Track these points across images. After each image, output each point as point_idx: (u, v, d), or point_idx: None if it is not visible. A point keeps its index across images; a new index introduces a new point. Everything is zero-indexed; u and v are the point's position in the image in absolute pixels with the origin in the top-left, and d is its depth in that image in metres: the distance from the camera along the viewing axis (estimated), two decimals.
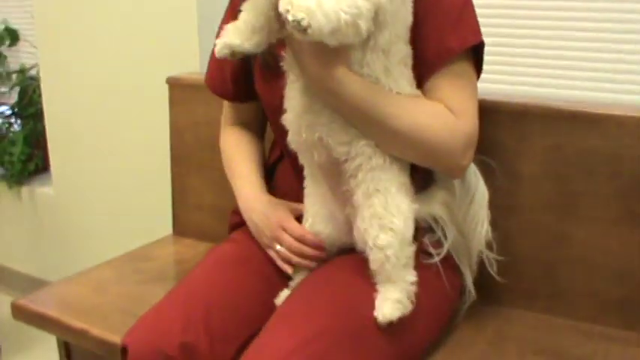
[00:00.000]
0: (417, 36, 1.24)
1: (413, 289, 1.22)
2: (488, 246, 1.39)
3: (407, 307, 1.20)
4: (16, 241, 3.04)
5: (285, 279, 1.37)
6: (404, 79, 1.23)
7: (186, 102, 1.96)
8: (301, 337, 1.13)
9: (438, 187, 1.34)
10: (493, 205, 1.43)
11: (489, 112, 1.46)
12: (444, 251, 1.32)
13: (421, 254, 1.30)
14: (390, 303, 1.19)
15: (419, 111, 1.23)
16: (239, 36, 1.17)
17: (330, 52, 1.14)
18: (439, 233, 1.33)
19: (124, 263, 1.86)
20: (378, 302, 1.20)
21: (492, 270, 1.40)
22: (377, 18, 1.13)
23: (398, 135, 1.20)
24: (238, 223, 1.55)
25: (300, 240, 1.34)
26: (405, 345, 1.24)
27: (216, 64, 1.55)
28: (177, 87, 1.98)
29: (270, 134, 1.57)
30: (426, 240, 1.32)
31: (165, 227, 2.09)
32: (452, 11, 1.25)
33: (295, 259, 1.34)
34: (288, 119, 1.28)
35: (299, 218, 1.38)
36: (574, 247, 1.46)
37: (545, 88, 1.85)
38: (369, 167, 1.22)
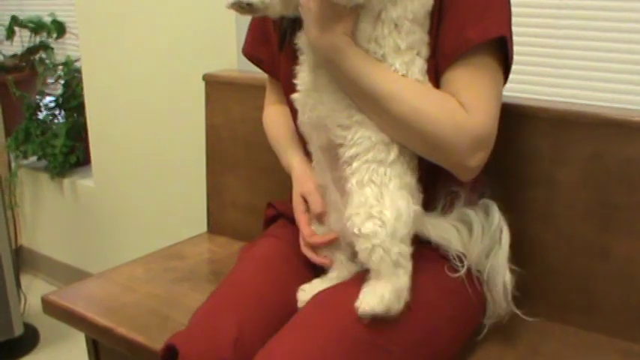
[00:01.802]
0: (440, 28, 1.20)
1: (404, 294, 1.16)
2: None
3: (393, 307, 1.14)
4: (57, 231, 3.08)
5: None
6: (415, 66, 1.18)
7: (222, 99, 1.95)
8: (313, 344, 1.11)
9: (454, 216, 1.29)
10: (529, 213, 1.39)
11: (527, 118, 1.42)
12: (464, 269, 1.26)
13: (446, 265, 1.26)
14: (375, 295, 1.13)
15: (423, 98, 1.17)
16: None
17: (332, 18, 1.12)
18: (452, 256, 1.27)
19: (156, 260, 1.86)
20: (362, 292, 1.15)
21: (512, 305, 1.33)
22: None
23: (398, 119, 1.16)
24: (275, 216, 1.54)
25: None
26: (425, 357, 1.20)
27: (257, 30, 1.52)
28: (213, 84, 1.96)
29: None
30: (452, 256, 1.27)
31: (202, 224, 2.09)
32: (478, 3, 1.19)
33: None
34: (296, 97, 1.26)
35: None
36: (612, 261, 1.41)
37: (587, 91, 1.78)
38: (365, 159, 1.18)
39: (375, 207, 1.15)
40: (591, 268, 1.43)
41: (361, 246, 1.16)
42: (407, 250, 1.17)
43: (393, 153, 1.18)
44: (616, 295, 1.41)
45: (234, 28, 2.05)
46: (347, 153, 1.19)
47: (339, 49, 1.15)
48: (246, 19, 1.51)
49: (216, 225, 2.05)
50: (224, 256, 1.88)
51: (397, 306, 1.15)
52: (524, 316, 1.33)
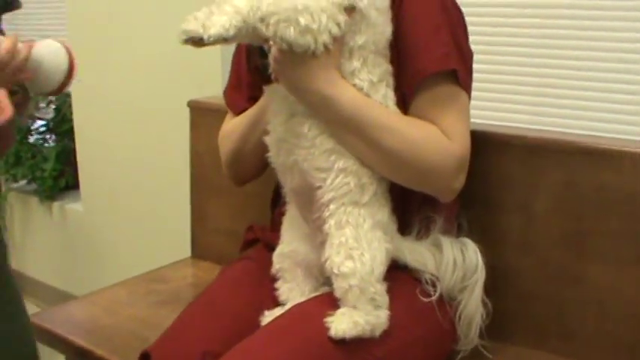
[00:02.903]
0: (400, 57, 1.23)
1: (381, 326, 1.18)
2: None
3: (366, 332, 1.16)
4: (46, 254, 3.08)
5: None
6: (389, 99, 1.22)
7: (206, 126, 1.96)
8: (279, 347, 1.14)
9: (429, 241, 1.31)
10: (504, 241, 1.40)
11: (501, 145, 1.44)
12: (437, 293, 1.28)
13: (418, 288, 1.28)
14: (349, 321, 1.15)
15: (413, 128, 1.21)
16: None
17: (317, 59, 1.14)
18: (426, 279, 1.29)
19: (139, 283, 1.87)
20: (336, 316, 1.17)
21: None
22: (353, 19, 1.14)
23: (391, 151, 1.19)
24: (253, 239, 1.56)
25: None
26: None
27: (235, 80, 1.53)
28: (197, 110, 1.98)
29: None
30: (425, 279, 1.29)
31: (186, 249, 2.10)
32: (428, 30, 1.23)
33: None
34: (269, 141, 1.27)
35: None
36: (586, 288, 1.41)
37: (558, 118, 1.81)
38: (342, 202, 1.20)
39: (354, 249, 1.18)
40: (566, 295, 1.44)
41: (339, 284, 1.19)
42: (382, 288, 1.20)
43: (367, 194, 1.21)
44: (590, 321, 1.42)
45: (220, 55, 2.08)
46: (325, 196, 1.21)
47: (334, 82, 1.17)
48: (231, 47, 1.54)
49: (199, 250, 2.06)
50: (207, 281, 1.86)
51: (370, 333, 1.17)
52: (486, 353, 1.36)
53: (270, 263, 1.39)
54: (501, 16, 1.88)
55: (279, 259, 1.35)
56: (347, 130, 1.19)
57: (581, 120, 1.78)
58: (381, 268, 1.20)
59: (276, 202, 1.51)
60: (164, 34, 2.22)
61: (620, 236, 1.38)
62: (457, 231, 1.36)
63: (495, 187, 1.45)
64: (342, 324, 1.15)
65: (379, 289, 1.19)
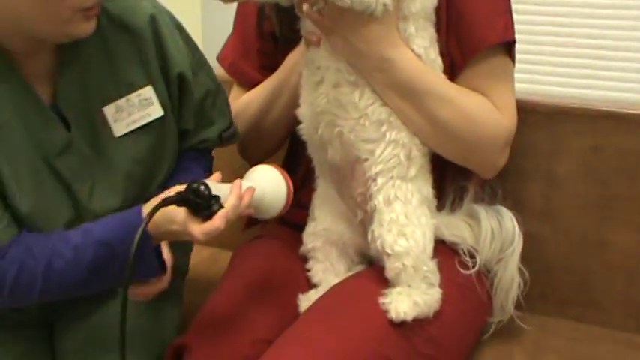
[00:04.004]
0: (450, 25, 1.19)
1: (435, 304, 1.15)
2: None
3: (424, 312, 1.14)
4: None
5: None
6: (437, 66, 1.18)
7: None
8: (333, 332, 1.08)
9: (464, 211, 1.27)
10: (527, 208, 1.37)
11: (525, 111, 1.40)
12: (477, 265, 1.24)
13: (457, 259, 1.24)
14: (408, 301, 1.12)
15: (468, 101, 1.17)
16: None
17: (376, 21, 1.08)
18: (464, 251, 1.25)
19: None
20: (393, 296, 1.13)
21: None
22: None
23: (443, 123, 1.15)
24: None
25: None
26: (440, 350, 1.17)
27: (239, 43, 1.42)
28: None
29: None
30: (462, 249, 1.25)
31: None
32: (489, 2, 1.19)
33: None
34: (304, 114, 1.21)
35: None
36: (611, 254, 1.41)
37: (584, 89, 1.79)
38: (390, 175, 1.16)
39: (406, 226, 1.14)
40: (591, 263, 1.43)
41: (391, 265, 1.14)
42: (434, 265, 1.17)
43: (415, 168, 1.17)
44: (616, 288, 1.41)
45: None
46: (373, 169, 1.16)
47: (395, 43, 1.11)
48: (213, 40, 1.45)
49: None
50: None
51: (428, 312, 1.14)
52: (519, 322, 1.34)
53: (295, 242, 1.33)
54: None
55: (311, 238, 1.29)
56: (401, 96, 1.14)
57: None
58: (431, 245, 1.17)
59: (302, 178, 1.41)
60: None
61: None
62: (489, 198, 1.32)
63: (518, 154, 1.41)
64: (402, 305, 1.11)
65: (431, 267, 1.16)
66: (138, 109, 1.15)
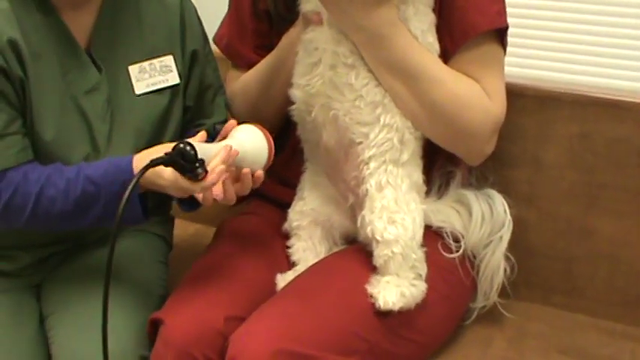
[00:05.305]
0: (444, 9, 1.17)
1: (420, 297, 1.15)
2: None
3: (410, 304, 1.14)
4: None
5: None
6: (434, 50, 1.17)
7: None
8: (308, 306, 1.08)
9: (451, 197, 1.27)
10: (512, 194, 1.36)
11: (514, 96, 1.38)
12: (461, 250, 1.23)
13: (439, 242, 1.23)
14: (396, 291, 1.12)
15: (460, 83, 1.16)
16: None
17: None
18: (447, 233, 1.24)
19: None
20: (381, 286, 1.13)
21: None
22: None
23: (434, 105, 1.14)
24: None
25: None
26: (419, 333, 1.18)
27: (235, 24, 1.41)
28: None
29: None
30: (446, 232, 1.24)
31: None
32: None
33: None
34: (298, 94, 1.20)
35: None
36: (596, 242, 1.39)
37: (574, 74, 1.77)
38: (382, 159, 1.15)
39: (395, 213, 1.13)
40: (575, 250, 1.41)
41: (380, 252, 1.14)
42: (422, 254, 1.16)
43: (407, 152, 1.16)
44: (600, 277, 1.40)
45: None
46: (366, 153, 1.15)
47: (393, 22, 1.10)
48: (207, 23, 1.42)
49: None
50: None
51: (414, 303, 1.14)
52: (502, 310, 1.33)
53: (279, 220, 1.32)
54: None
55: (298, 216, 1.28)
56: (393, 75, 1.13)
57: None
58: (420, 232, 1.16)
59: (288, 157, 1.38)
60: None
61: (633, 190, 1.36)
62: (479, 183, 1.32)
63: (505, 138, 1.39)
64: (390, 295, 1.11)
65: (420, 256, 1.16)
66: (159, 73, 1.27)
